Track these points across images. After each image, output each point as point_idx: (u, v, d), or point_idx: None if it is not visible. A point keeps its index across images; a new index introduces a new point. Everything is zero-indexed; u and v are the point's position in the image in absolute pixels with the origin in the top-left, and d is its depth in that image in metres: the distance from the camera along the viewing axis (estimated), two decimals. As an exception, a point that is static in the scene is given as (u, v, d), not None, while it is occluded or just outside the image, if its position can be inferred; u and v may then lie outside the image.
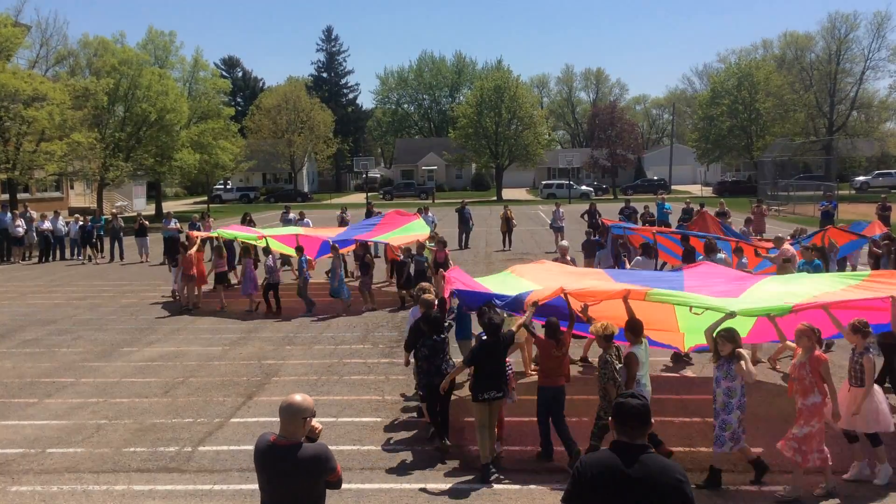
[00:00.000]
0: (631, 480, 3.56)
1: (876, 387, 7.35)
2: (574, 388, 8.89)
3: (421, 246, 16.15)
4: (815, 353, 6.99)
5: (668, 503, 3.55)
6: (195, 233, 18.31)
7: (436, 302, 8.92)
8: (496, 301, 8.81)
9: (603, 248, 17.48)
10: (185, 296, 17.04)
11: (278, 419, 4.28)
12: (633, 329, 7.73)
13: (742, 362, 7.04)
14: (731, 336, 7.14)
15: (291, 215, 24.73)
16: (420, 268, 15.84)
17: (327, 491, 4.36)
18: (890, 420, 7.34)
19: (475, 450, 7.88)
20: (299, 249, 16.54)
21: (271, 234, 17.91)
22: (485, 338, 7.96)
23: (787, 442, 7.04)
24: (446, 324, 8.88)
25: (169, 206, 49.93)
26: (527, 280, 10.06)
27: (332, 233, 18.82)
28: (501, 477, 7.54)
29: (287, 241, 17.90)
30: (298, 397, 4.28)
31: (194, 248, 16.95)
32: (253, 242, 17.66)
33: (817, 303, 7.86)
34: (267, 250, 16.86)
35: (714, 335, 7.27)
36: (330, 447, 4.35)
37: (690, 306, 8.11)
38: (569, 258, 14.29)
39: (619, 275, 10.81)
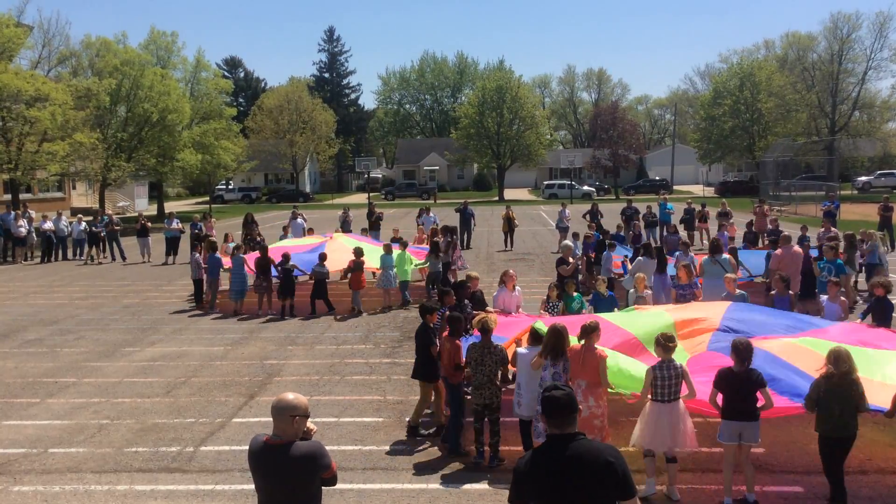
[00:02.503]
0: (563, 468, 3.71)
1: (679, 403, 6.83)
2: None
3: (323, 256, 16.23)
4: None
5: (603, 484, 3.69)
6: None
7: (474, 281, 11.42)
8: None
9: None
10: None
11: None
12: (533, 335, 8.18)
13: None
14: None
15: (300, 220, 24.69)
16: (320, 278, 15.99)
17: (328, 490, 4.35)
18: (684, 440, 6.91)
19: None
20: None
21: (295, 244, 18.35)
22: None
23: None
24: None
25: (171, 207, 50.02)
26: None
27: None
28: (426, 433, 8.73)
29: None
30: (290, 395, 4.25)
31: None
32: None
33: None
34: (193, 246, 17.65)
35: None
36: (332, 447, 4.36)
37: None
38: (571, 259, 14.29)
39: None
